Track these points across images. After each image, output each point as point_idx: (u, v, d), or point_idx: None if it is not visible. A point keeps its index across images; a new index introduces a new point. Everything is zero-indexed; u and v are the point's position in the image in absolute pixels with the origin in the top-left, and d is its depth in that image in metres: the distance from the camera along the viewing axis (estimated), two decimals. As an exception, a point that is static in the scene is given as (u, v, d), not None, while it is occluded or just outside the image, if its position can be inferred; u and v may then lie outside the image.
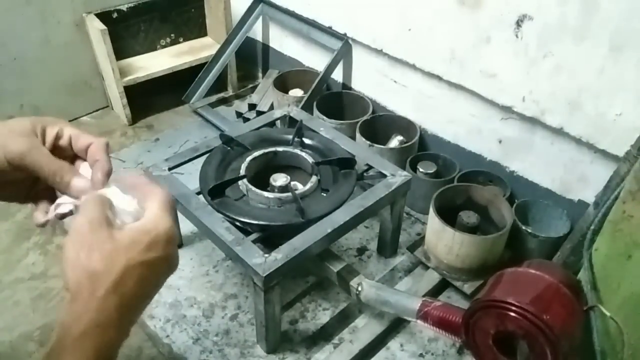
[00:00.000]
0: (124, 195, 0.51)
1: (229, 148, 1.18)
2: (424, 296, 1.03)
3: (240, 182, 1.09)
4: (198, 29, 1.93)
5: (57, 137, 0.54)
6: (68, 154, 0.55)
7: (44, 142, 0.53)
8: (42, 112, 1.66)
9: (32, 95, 1.64)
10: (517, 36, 1.12)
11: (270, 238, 1.03)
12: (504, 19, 1.12)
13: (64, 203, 0.53)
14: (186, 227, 1.25)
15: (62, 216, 0.53)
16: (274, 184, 1.08)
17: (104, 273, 0.42)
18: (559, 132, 1.14)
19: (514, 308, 0.74)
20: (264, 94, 1.78)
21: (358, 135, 1.40)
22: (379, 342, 1.08)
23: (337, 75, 1.65)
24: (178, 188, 1.08)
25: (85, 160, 0.55)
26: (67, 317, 0.42)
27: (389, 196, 1.10)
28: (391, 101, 1.53)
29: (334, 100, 1.60)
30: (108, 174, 0.53)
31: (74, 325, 0.41)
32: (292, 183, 1.10)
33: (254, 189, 1.06)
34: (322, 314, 1.15)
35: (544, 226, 1.21)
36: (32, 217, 0.56)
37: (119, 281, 0.42)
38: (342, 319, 1.14)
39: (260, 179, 1.11)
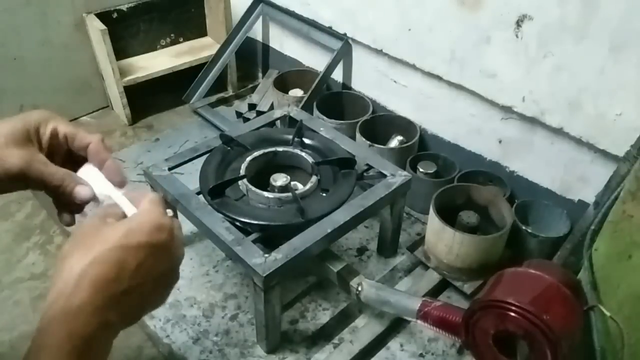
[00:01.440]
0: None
1: (229, 148, 1.18)
2: (424, 296, 1.04)
3: (240, 182, 1.09)
4: (198, 29, 1.93)
5: (52, 136, 0.54)
6: (63, 150, 0.56)
7: (40, 145, 0.54)
8: (42, 112, 1.65)
9: (32, 95, 1.64)
10: (517, 36, 1.12)
11: (270, 238, 1.03)
12: (504, 19, 1.12)
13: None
14: (186, 227, 1.25)
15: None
16: (274, 184, 1.08)
17: (77, 260, 0.42)
18: (559, 132, 1.14)
19: (514, 308, 0.74)
20: (264, 94, 1.78)
21: (358, 135, 1.40)
22: (379, 342, 1.08)
23: (337, 75, 1.65)
24: (178, 188, 1.08)
25: (80, 155, 0.56)
26: (46, 304, 0.42)
27: (389, 196, 1.10)
28: (391, 101, 1.53)
29: (334, 100, 1.60)
30: (120, 169, 0.55)
31: (49, 310, 0.41)
32: (292, 183, 1.10)
33: (254, 189, 1.06)
34: (322, 314, 1.15)
35: (544, 226, 1.21)
36: (59, 219, 0.57)
37: (91, 264, 0.42)
38: (342, 319, 1.14)
39: (260, 179, 1.11)
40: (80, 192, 0.53)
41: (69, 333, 0.40)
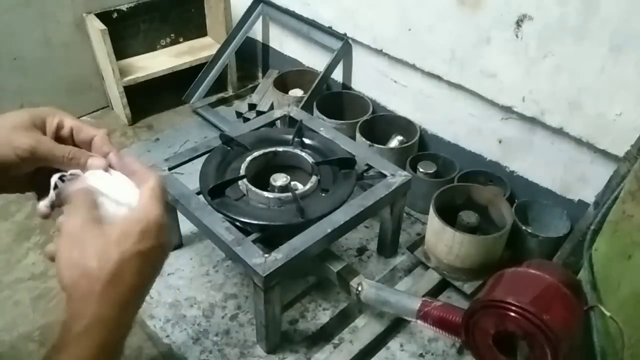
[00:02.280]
0: (123, 183, 0.51)
1: (229, 148, 1.18)
2: (424, 296, 1.04)
3: (240, 182, 1.09)
4: (198, 29, 1.93)
5: (59, 128, 0.54)
6: (69, 143, 0.55)
7: (44, 134, 0.54)
8: (42, 112, 1.66)
9: (32, 95, 1.64)
10: (517, 36, 1.12)
11: (270, 238, 1.03)
12: (504, 19, 1.12)
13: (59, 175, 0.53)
14: (186, 227, 1.25)
15: (55, 186, 0.53)
16: (274, 184, 1.08)
17: (99, 269, 0.42)
18: (559, 132, 1.14)
19: (514, 308, 0.74)
20: (264, 94, 1.79)
21: (358, 135, 1.40)
22: (379, 342, 1.08)
23: (337, 75, 1.65)
24: (178, 188, 1.08)
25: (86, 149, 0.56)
26: (67, 316, 0.42)
27: (389, 196, 1.10)
28: (391, 101, 1.53)
29: (334, 100, 1.60)
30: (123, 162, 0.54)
31: (76, 323, 0.41)
32: (292, 183, 1.10)
33: (254, 189, 1.06)
34: (322, 314, 1.15)
35: (544, 226, 1.21)
36: (36, 209, 0.55)
37: (116, 274, 0.42)
38: (342, 319, 1.14)
39: (260, 179, 1.11)
40: (94, 162, 0.53)
41: (100, 342, 0.41)
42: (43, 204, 0.54)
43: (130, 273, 0.43)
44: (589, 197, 1.13)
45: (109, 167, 0.54)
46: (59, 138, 0.54)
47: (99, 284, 0.42)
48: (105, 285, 0.42)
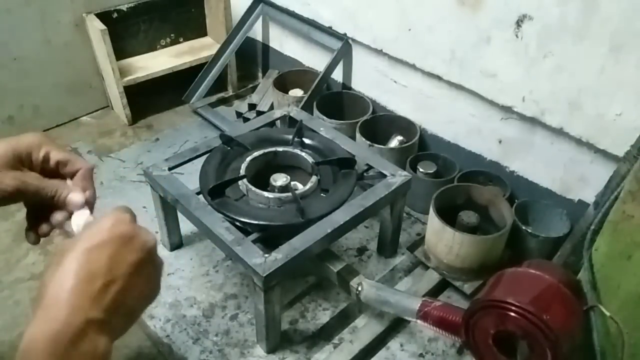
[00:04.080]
0: None
1: (229, 148, 1.18)
2: (424, 296, 1.04)
3: (240, 182, 1.09)
4: (198, 29, 1.93)
5: (44, 161, 0.57)
6: (54, 174, 0.58)
7: (31, 169, 0.56)
8: (42, 112, 1.66)
9: (32, 95, 1.64)
10: (517, 36, 1.12)
11: (270, 238, 1.03)
12: (504, 19, 1.12)
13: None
14: (186, 227, 1.25)
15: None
16: (274, 184, 1.08)
17: (49, 276, 0.44)
18: (559, 132, 1.14)
19: (514, 308, 0.74)
20: (264, 94, 1.79)
21: (358, 135, 1.40)
22: (379, 342, 1.08)
23: (337, 75, 1.65)
24: (178, 188, 1.08)
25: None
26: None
27: (389, 196, 1.10)
28: (391, 101, 1.53)
29: (334, 100, 1.60)
30: (93, 204, 0.59)
31: (34, 315, 0.43)
32: (292, 183, 1.10)
33: (254, 189, 1.06)
34: (322, 314, 1.15)
35: (544, 226, 1.21)
36: (26, 237, 0.58)
37: (60, 276, 0.43)
38: (342, 319, 1.14)
39: (260, 179, 1.11)
40: (73, 198, 0.56)
41: (49, 334, 0.41)
42: (32, 236, 0.59)
43: (76, 270, 0.43)
44: (589, 197, 1.13)
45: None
46: (44, 170, 0.57)
47: (50, 291, 0.43)
48: (55, 290, 0.43)
